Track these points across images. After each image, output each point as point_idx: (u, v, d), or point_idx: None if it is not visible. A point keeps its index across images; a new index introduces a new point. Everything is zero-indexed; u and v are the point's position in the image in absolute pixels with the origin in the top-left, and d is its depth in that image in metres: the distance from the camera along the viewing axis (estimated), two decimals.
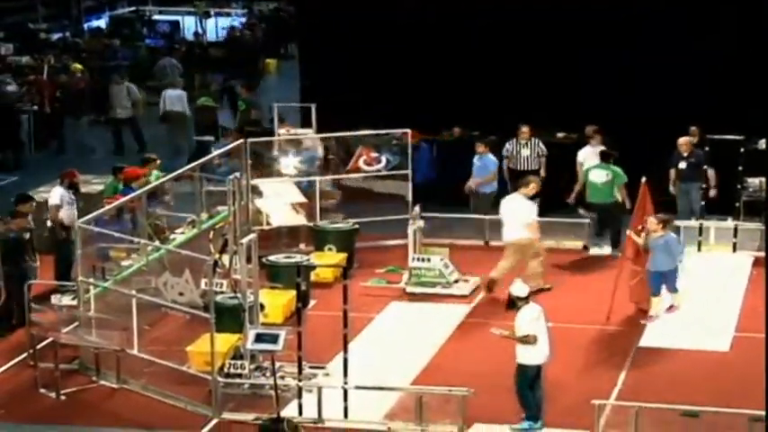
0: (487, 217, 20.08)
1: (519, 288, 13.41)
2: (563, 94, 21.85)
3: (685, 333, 16.11)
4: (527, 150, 21.23)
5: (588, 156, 20.24)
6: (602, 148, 20.01)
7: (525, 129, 21.18)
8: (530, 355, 13.22)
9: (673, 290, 16.66)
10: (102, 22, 41.88)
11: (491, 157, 20.61)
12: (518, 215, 17.42)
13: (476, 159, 20.56)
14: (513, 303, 13.39)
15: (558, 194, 20.37)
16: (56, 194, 18.25)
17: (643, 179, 17.11)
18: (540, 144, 21.28)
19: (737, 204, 20.34)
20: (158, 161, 19.68)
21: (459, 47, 22.59)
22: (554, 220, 19.70)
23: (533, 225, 17.45)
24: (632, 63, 21.70)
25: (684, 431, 12.78)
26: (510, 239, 17.49)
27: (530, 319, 13.23)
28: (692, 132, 20.99)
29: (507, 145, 21.30)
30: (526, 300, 13.32)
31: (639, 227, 16.67)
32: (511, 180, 21.33)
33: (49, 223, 17.94)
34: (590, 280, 18.18)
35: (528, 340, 13.14)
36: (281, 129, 20.55)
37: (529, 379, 13.27)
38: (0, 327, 16.21)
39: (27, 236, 16.55)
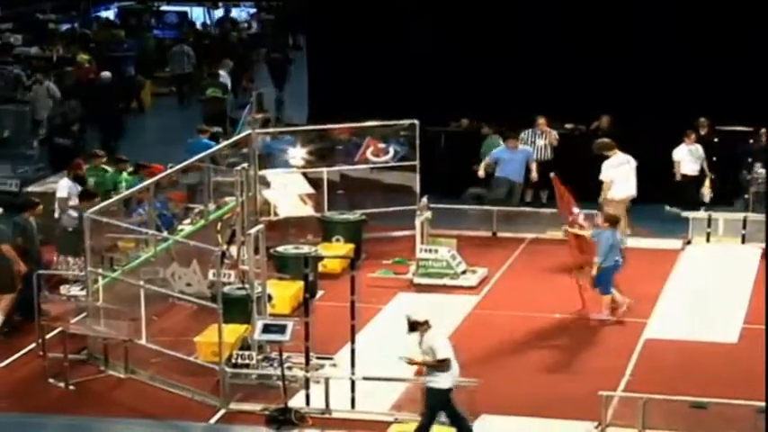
0: (495, 208, 20.11)
1: (418, 313, 12.56)
2: (571, 85, 21.84)
3: (693, 324, 16.09)
4: (541, 140, 21.34)
5: (684, 155, 20.44)
6: (699, 146, 20.41)
7: (542, 120, 21.33)
8: (448, 379, 12.42)
9: (601, 291, 16.23)
10: (110, 13, 41.87)
11: (524, 147, 20.72)
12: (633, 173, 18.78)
13: (503, 153, 20.39)
14: (413, 328, 12.45)
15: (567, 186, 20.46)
16: (63, 186, 18.29)
17: (551, 174, 17.78)
18: (553, 132, 21.44)
19: (746, 196, 20.33)
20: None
21: (467, 38, 22.58)
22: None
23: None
24: (641, 54, 21.69)
25: (692, 422, 12.77)
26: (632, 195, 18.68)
27: (446, 341, 12.53)
28: (700, 124, 21.01)
29: (522, 134, 21.36)
30: (427, 323, 12.43)
31: (570, 219, 16.86)
32: None
33: (57, 215, 17.96)
34: None
35: (446, 364, 12.34)
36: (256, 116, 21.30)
37: (446, 402, 12.50)
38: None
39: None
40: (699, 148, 20.54)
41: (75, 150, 23.78)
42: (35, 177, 22.13)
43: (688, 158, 20.48)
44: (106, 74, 27.97)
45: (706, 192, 20.49)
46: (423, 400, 12.69)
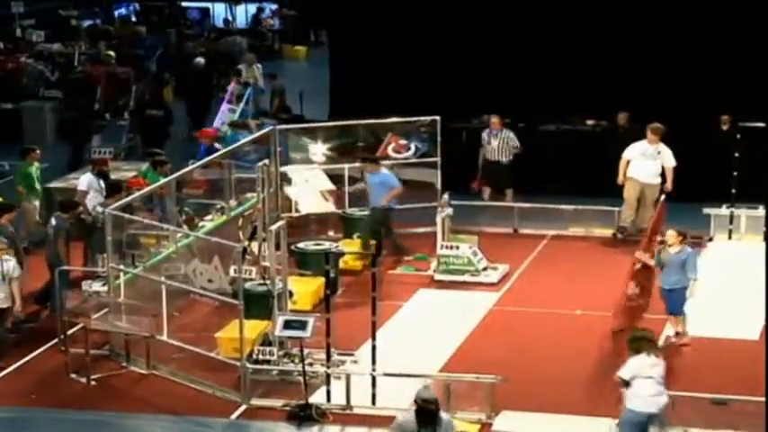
0: (516, 205, 20.07)
1: (429, 391, 10.88)
2: (594, 81, 21.79)
3: (715, 322, 16.05)
4: (496, 141, 21.04)
5: None
6: None
7: (495, 119, 21.04)
8: None
9: (680, 313, 15.46)
10: (131, 9, 42.04)
11: (387, 171, 18.74)
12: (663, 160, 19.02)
13: (369, 176, 18.50)
14: (435, 411, 10.65)
15: (587, 182, 20.44)
16: (84, 180, 18.35)
17: (662, 197, 17.29)
18: (511, 135, 21.02)
19: None
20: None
21: (489, 35, 22.56)
22: (583, 207, 19.71)
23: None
24: (665, 50, 21.64)
25: (713, 419, 12.74)
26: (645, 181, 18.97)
27: None
28: (723, 120, 20.91)
29: (483, 134, 21.19)
30: None
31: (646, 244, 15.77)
32: (483, 168, 21.14)
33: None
34: (619, 268, 18.09)
35: None
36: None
37: None
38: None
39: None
40: None
41: (167, 121, 24.99)
42: (125, 147, 23.88)
43: None
44: (200, 60, 29.43)
45: None
46: None
